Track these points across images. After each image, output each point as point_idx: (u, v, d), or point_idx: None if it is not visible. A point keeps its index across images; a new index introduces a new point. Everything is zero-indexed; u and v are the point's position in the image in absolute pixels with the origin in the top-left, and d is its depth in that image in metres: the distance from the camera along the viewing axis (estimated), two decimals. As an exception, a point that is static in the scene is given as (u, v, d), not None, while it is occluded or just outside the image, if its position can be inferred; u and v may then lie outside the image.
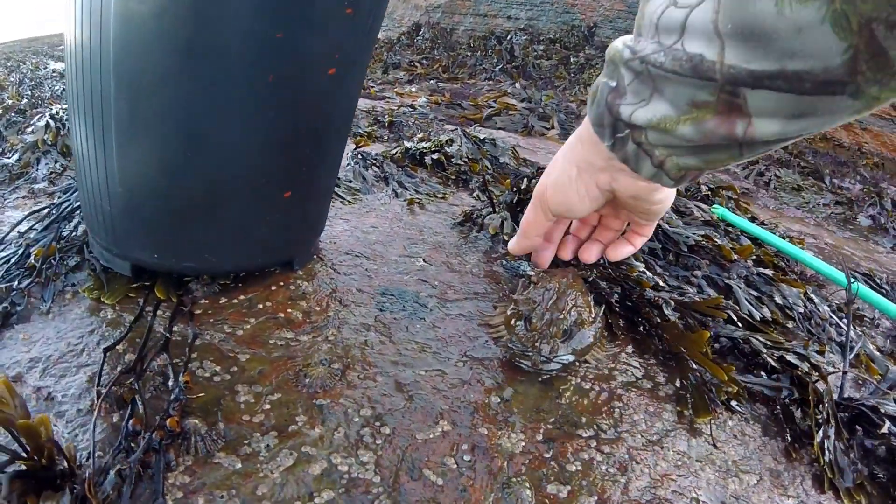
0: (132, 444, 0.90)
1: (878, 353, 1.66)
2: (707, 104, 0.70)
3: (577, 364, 1.26)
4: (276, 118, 1.17)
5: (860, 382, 1.45)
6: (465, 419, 1.08)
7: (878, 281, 2.29)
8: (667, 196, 1.00)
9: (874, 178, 4.54)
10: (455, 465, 0.98)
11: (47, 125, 2.37)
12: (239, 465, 0.92)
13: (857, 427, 1.25)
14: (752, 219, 2.53)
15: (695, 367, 1.31)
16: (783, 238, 2.30)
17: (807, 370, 1.35)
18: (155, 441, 0.90)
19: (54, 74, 4.99)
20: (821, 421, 1.22)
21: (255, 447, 0.96)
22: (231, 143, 1.16)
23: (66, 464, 0.80)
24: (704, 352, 1.34)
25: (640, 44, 0.78)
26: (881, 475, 1.16)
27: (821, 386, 1.28)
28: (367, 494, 0.90)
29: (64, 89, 4.07)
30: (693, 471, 1.07)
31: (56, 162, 2.15)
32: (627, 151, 0.84)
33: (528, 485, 0.97)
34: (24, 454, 0.77)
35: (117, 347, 1.14)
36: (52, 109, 2.57)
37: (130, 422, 0.94)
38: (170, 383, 1.04)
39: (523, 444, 1.05)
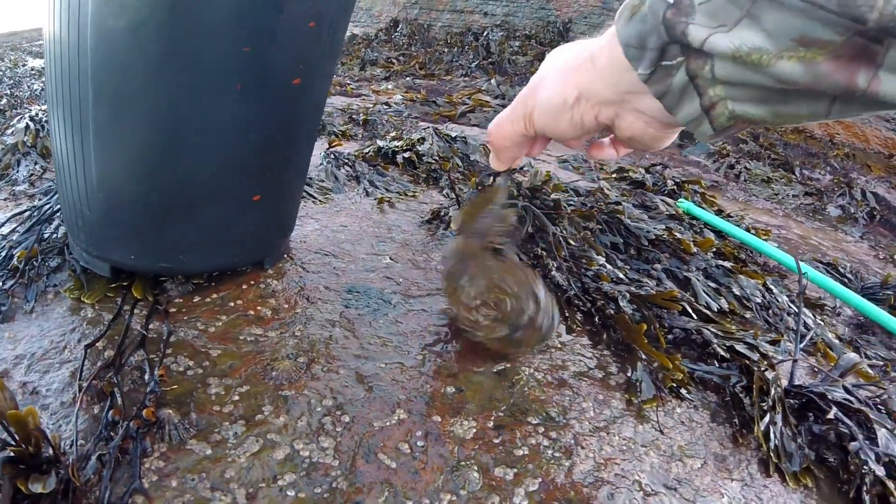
0: (111, 433, 0.99)
1: (836, 341, 1.74)
2: (824, 44, 0.58)
3: (533, 353, 1.35)
4: (246, 126, 1.25)
5: (816, 370, 1.52)
6: (421, 408, 1.16)
7: (841, 270, 2.38)
8: (668, 142, 0.88)
9: (844, 168, 4.61)
10: (409, 450, 1.07)
11: (27, 127, 2.42)
12: (209, 451, 1.01)
13: (809, 413, 1.32)
14: (719, 212, 2.62)
15: (644, 356, 1.39)
16: (748, 230, 2.39)
17: (755, 359, 1.42)
18: (132, 429, 0.98)
19: (33, 72, 5.01)
20: (766, 408, 1.29)
21: (224, 435, 1.04)
22: (205, 150, 1.24)
23: (51, 451, 0.89)
24: (658, 342, 1.43)
25: None
26: (832, 459, 1.23)
27: (771, 375, 1.36)
28: (325, 476, 0.99)
29: (43, 88, 4.10)
30: (637, 455, 1.15)
31: (36, 164, 2.20)
32: (671, 85, 0.70)
33: (476, 468, 1.05)
34: (13, 442, 0.85)
35: (97, 344, 1.22)
36: (31, 111, 2.61)
37: (110, 413, 1.02)
38: (146, 377, 1.13)
39: (475, 430, 1.13)
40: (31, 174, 2.14)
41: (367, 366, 1.25)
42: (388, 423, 1.12)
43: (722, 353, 1.45)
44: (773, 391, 1.32)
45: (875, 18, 0.53)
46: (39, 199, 1.84)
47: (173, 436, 1.01)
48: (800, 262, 1.77)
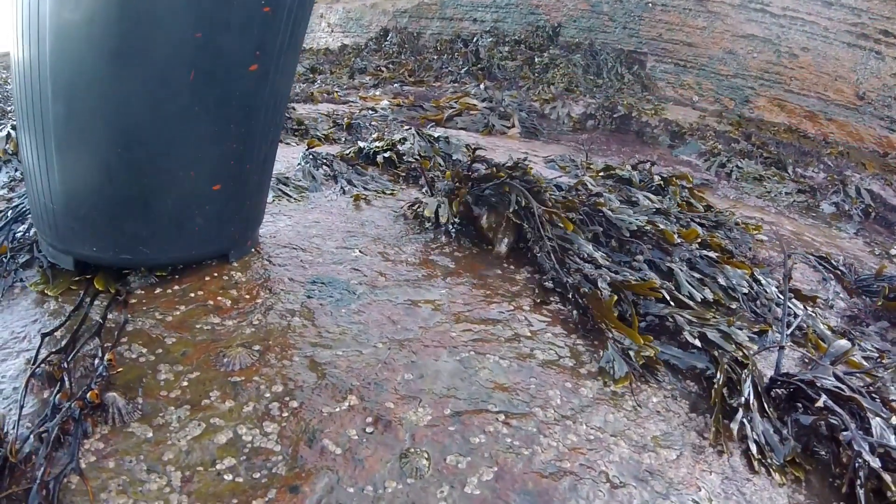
0: (56, 415, 0.99)
1: (829, 332, 1.70)
2: None
3: (500, 341, 1.35)
4: (201, 114, 1.26)
5: (806, 361, 1.49)
6: (374, 395, 1.15)
7: (833, 263, 2.37)
8: None
9: (838, 166, 4.55)
10: (356, 437, 1.06)
11: (8, 136, 2.44)
12: (150, 434, 1.01)
13: (797, 403, 1.27)
14: (708, 207, 2.61)
15: (614, 336, 1.37)
16: (737, 224, 2.37)
17: (731, 348, 1.39)
18: (74, 411, 0.98)
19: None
20: (743, 398, 1.24)
21: (167, 419, 1.04)
22: (159, 139, 1.25)
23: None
24: (632, 326, 1.41)
25: None
26: (822, 452, 1.19)
27: (750, 363, 1.33)
28: (266, 461, 0.99)
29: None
30: (606, 445, 1.13)
31: (17, 170, 2.23)
32: None
33: (426, 455, 1.04)
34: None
35: (55, 333, 1.22)
36: (14, 121, 2.63)
37: (58, 396, 1.02)
38: (97, 363, 1.12)
39: (430, 417, 1.12)
40: (11, 179, 2.16)
41: (323, 353, 1.25)
42: (337, 409, 1.11)
43: (690, 340, 1.42)
44: (747, 381, 1.27)
45: None
46: (14, 202, 1.85)
47: (116, 419, 1.01)
48: (784, 246, 1.75)
